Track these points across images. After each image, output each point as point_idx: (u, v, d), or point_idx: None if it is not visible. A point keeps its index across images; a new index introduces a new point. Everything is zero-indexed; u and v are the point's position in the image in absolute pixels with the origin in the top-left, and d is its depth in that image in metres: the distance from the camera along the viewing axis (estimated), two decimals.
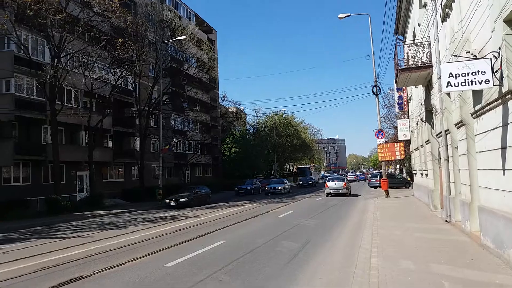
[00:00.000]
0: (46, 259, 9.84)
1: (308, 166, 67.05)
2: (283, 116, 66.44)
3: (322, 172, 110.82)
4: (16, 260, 9.92)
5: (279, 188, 36.21)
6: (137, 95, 34.10)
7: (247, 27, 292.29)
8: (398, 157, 27.07)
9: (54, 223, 19.28)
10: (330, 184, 30.00)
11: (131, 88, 34.50)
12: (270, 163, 64.42)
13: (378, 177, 37.57)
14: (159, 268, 8.35)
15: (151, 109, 34.70)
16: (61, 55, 24.51)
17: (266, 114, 66.26)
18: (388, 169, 46.58)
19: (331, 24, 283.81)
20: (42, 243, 12.82)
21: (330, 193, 29.51)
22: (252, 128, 67.73)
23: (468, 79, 7.56)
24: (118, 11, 26.90)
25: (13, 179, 25.06)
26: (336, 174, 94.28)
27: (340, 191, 29.25)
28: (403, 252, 8.75)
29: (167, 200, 26.27)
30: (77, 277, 7.72)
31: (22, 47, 23.49)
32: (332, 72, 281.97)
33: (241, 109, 70.40)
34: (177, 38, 34.66)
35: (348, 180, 35.05)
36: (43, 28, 23.76)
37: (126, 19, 28.10)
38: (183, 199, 26.05)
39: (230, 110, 66.11)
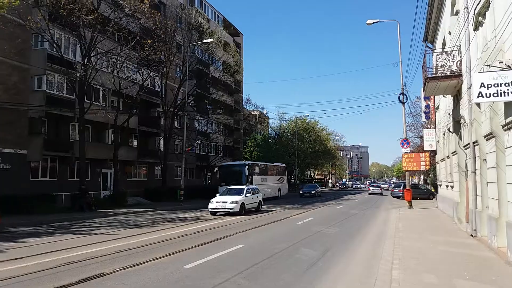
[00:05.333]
0: (69, 254, 10.06)
1: (244, 162, 35.59)
2: (306, 122, 66.15)
3: (344, 180, 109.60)
4: (41, 254, 10.17)
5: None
6: (163, 96, 34.62)
7: (274, 32, 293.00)
8: (423, 168, 26.44)
9: (77, 219, 19.73)
10: (372, 188, 54.01)
11: (157, 89, 35.07)
12: (291, 168, 64.16)
13: (402, 187, 36.85)
14: (179, 269, 8.41)
15: (176, 110, 35.17)
16: (92, 54, 25.13)
17: (289, 119, 66.04)
18: (411, 180, 45.57)
19: (358, 30, 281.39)
20: (66, 239, 13.13)
21: (370, 193, 51.62)
22: (274, 132, 67.68)
23: (500, 90, 7.35)
24: (148, 12, 27.42)
25: (41, 174, 25.80)
26: (376, 181, 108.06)
27: (377, 191, 51.84)
28: (426, 265, 8.53)
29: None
30: (98, 274, 7.85)
31: (54, 45, 24.22)
32: (357, 78, 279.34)
33: (264, 112, 70.53)
34: (204, 41, 35.04)
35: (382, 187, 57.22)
36: (75, 28, 24.45)
37: (156, 20, 28.59)
38: None
39: (253, 113, 66.27)
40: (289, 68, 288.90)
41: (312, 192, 43.06)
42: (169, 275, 7.92)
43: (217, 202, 21.04)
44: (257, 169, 35.80)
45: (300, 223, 17.40)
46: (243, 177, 32.09)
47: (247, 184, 29.03)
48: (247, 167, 32.95)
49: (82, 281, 7.35)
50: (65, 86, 26.32)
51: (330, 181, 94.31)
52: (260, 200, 24.24)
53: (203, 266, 8.77)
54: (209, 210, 21.18)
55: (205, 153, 46.09)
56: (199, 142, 44.13)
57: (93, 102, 26.62)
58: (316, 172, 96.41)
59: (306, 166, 74.27)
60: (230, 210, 20.65)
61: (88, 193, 24.18)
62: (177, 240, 12.49)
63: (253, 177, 33.41)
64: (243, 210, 21.08)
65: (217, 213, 21.40)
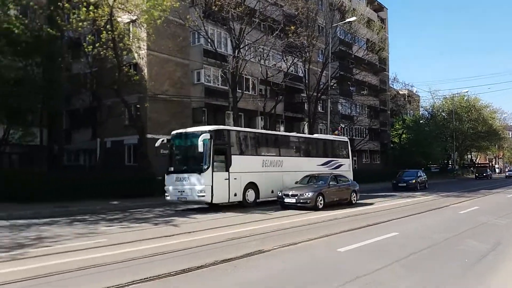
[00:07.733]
0: (233, 230, 11.10)
1: (207, 127, 17.24)
2: (465, 99, 59.25)
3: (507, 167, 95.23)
4: (208, 229, 11.42)
5: None
6: (306, 81, 35.08)
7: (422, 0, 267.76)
8: None
9: None
10: None
11: (300, 75, 35.67)
12: (448, 151, 58.44)
13: None
14: (332, 252, 8.49)
15: (319, 94, 35.29)
16: (241, 46, 26.86)
17: (444, 97, 60.02)
18: None
19: None
20: (228, 216, 14.53)
21: None
22: (426, 112, 62.49)
23: None
24: None
25: None
26: None
27: None
28: None
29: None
30: (259, 250, 8.44)
31: (209, 40, 26.62)
32: None
33: (414, 91, 65.65)
34: (346, 20, 34.21)
35: None
36: (225, 22, 26.45)
37: (298, 5, 29.02)
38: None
39: (400, 92, 62.30)
40: (443, 39, 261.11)
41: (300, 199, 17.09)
42: (324, 257, 8.07)
43: None
44: (241, 140, 18.48)
45: (462, 212, 15.78)
46: (204, 157, 16.00)
47: (210, 168, 15.96)
48: (208, 135, 15.93)
49: (245, 256, 8.00)
50: (219, 78, 28.81)
51: (497, 166, 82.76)
52: None
53: (356, 251, 8.67)
54: None
55: (349, 137, 45.19)
56: (343, 125, 43.52)
57: (244, 92, 28.56)
58: (478, 156, 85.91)
59: (466, 149, 66.79)
60: None
61: None
62: (328, 224, 12.61)
63: (232, 156, 17.15)
64: None
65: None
